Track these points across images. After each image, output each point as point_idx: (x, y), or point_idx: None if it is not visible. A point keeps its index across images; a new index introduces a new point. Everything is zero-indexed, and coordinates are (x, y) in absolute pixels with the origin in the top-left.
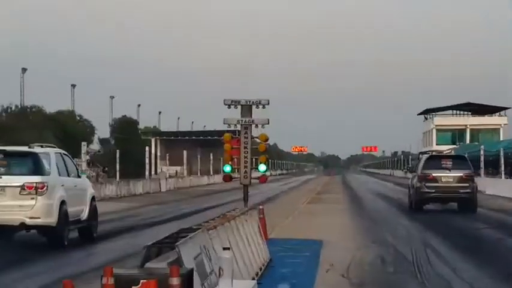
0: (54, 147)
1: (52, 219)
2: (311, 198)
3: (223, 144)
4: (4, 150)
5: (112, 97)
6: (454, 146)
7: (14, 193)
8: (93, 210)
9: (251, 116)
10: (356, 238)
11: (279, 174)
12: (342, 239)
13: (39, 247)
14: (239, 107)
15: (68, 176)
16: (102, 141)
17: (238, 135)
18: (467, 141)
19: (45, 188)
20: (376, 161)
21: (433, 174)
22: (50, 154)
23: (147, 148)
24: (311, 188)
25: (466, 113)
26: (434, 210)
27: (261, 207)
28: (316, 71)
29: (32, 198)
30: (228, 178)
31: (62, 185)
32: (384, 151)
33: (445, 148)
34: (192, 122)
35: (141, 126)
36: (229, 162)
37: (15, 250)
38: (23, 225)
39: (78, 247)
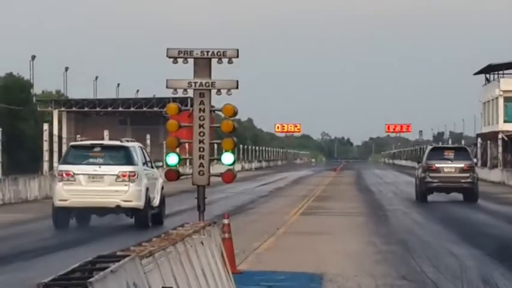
0: (134, 141)
1: (141, 203)
2: (306, 207)
3: (166, 120)
4: (101, 144)
5: None
6: None
7: (110, 180)
8: (162, 198)
9: (210, 77)
10: (376, 271)
11: (256, 169)
12: (354, 272)
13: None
14: (191, 61)
15: (147, 166)
16: None
17: (191, 106)
18: None
19: (135, 176)
20: (410, 147)
21: (436, 165)
22: (135, 147)
23: (45, 126)
24: (306, 190)
25: None
26: (488, 224)
27: (225, 221)
28: (313, 10)
29: (126, 185)
30: (173, 175)
31: (145, 174)
32: (421, 132)
33: None
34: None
35: (39, 90)
36: (176, 150)
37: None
38: (118, 207)
39: None
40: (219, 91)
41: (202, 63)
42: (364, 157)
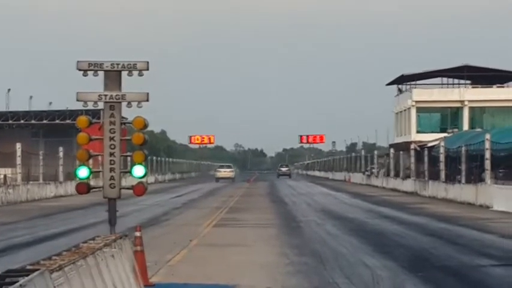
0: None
1: (234, 176)
2: (219, 218)
3: (79, 132)
4: (226, 164)
5: None
6: (444, 134)
7: (228, 172)
8: (235, 176)
9: (120, 89)
10: (289, 282)
11: (170, 180)
12: (267, 283)
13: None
14: (101, 73)
15: (233, 169)
16: None
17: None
18: (465, 125)
19: (233, 171)
20: (323, 158)
21: (281, 169)
22: (232, 165)
23: None
24: (220, 201)
25: (462, 82)
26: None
27: (137, 234)
28: (227, 22)
29: (231, 173)
30: (83, 188)
31: (234, 170)
32: (334, 142)
33: (430, 138)
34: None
35: None
36: (87, 163)
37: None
38: (230, 178)
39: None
40: (129, 104)
41: (113, 76)
42: (277, 168)
